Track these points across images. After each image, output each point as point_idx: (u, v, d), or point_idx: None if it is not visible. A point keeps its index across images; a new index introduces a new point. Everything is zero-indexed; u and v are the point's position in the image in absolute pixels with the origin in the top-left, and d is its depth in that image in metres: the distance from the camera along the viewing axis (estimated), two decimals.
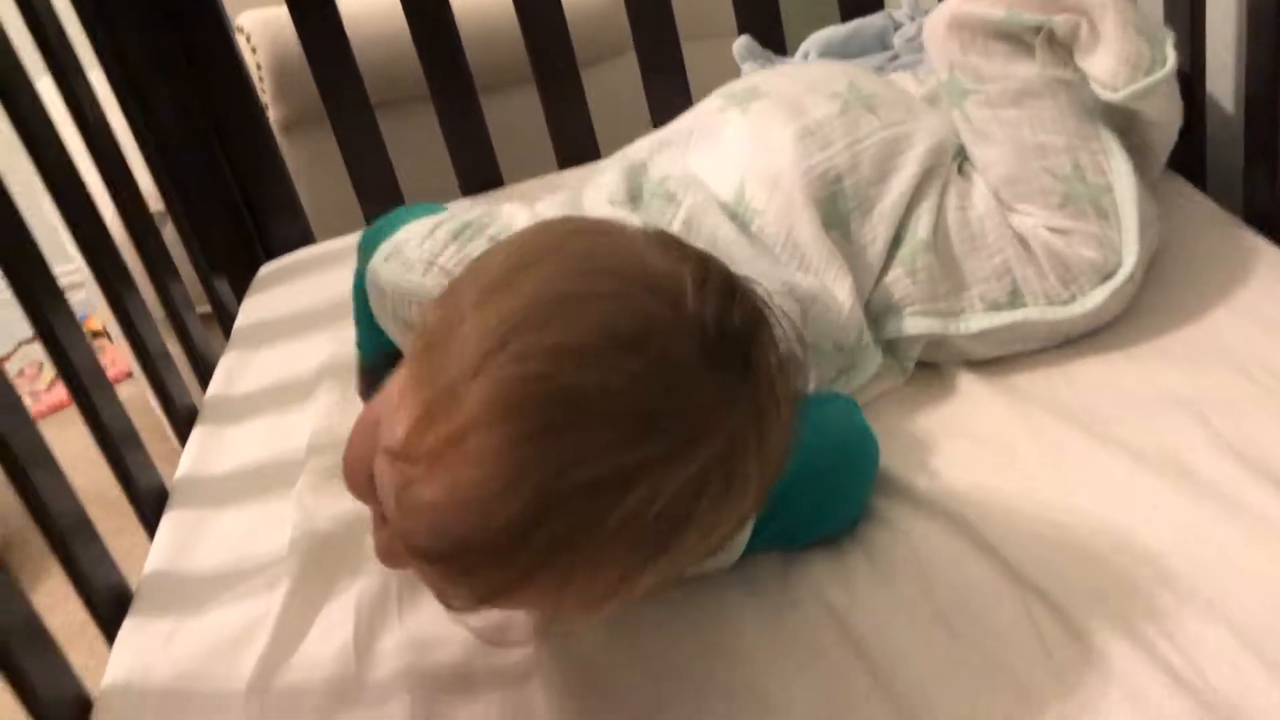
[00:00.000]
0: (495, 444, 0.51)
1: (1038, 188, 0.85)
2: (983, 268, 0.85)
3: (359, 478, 0.63)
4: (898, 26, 1.22)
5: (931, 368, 0.89)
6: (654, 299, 0.55)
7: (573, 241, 0.59)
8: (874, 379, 0.86)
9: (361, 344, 0.93)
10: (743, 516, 0.60)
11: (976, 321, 0.85)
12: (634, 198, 0.88)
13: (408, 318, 0.78)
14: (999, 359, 0.87)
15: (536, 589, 0.54)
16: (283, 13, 1.28)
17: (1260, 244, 0.92)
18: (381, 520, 0.67)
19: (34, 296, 0.87)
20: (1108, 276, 0.85)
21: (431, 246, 0.79)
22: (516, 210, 0.84)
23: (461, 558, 0.54)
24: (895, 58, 1.18)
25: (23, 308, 0.88)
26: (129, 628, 0.83)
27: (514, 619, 0.57)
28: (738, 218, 0.86)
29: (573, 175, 1.32)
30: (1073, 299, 0.85)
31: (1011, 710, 0.61)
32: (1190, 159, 1.02)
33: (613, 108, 1.35)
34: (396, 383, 0.60)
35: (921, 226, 0.85)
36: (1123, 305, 0.87)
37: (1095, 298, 0.85)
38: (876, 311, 0.87)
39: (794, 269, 0.84)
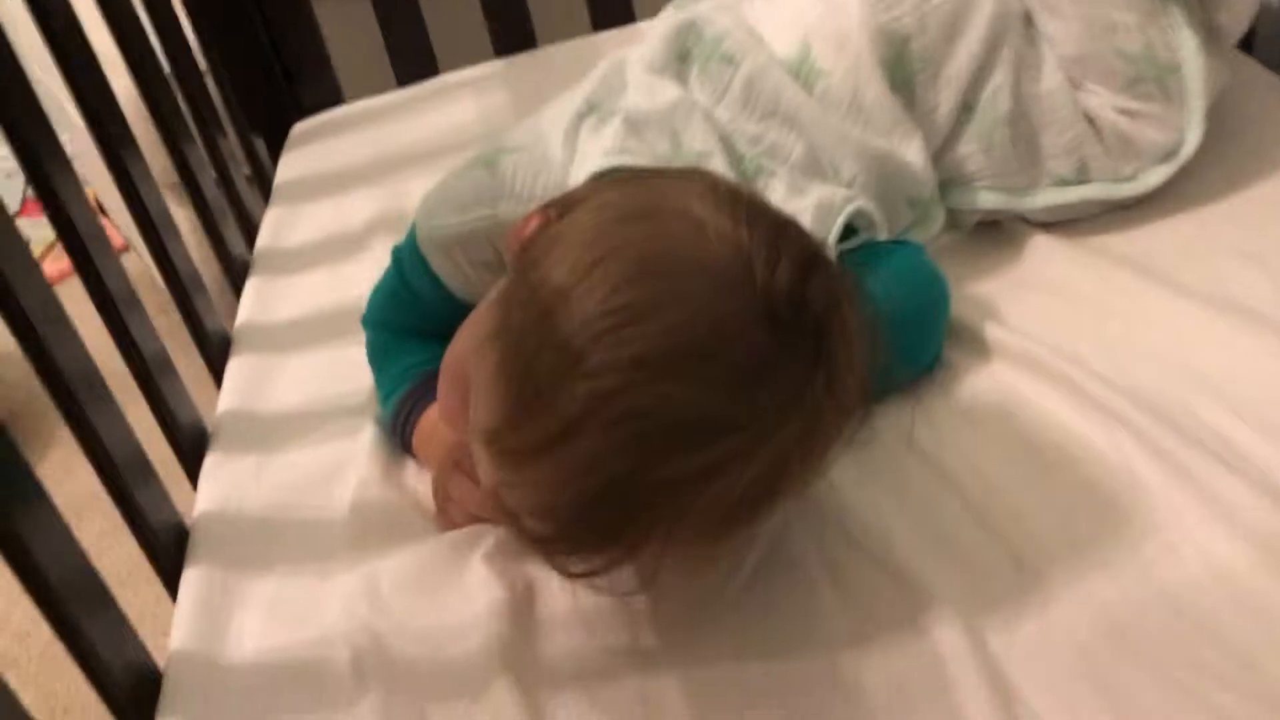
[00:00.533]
0: (579, 457, 0.54)
1: (1106, 68, 0.86)
2: (1055, 144, 0.86)
3: (459, 421, 0.65)
4: None
5: (994, 223, 0.91)
6: (722, 295, 0.55)
7: (637, 234, 0.58)
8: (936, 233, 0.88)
9: (382, 387, 0.84)
10: (827, 461, 0.62)
11: (1043, 197, 0.87)
12: (682, 59, 0.87)
13: (486, 259, 0.79)
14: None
15: (635, 563, 0.58)
16: None
17: None
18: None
19: (38, 160, 0.77)
20: (1169, 155, 0.87)
21: (471, 186, 0.79)
22: (540, 131, 0.84)
23: (557, 545, 0.58)
24: None
25: (25, 172, 0.78)
26: (213, 461, 0.85)
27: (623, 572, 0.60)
28: (800, 78, 0.85)
29: (606, 38, 1.31)
30: (1134, 176, 0.87)
31: (1106, 531, 0.65)
32: None
33: None
34: (478, 343, 0.60)
35: (1001, 100, 0.85)
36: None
37: (1157, 175, 0.87)
38: (943, 181, 0.87)
39: (860, 129, 0.84)
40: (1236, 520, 0.63)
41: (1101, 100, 0.86)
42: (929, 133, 0.86)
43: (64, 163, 0.78)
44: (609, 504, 0.55)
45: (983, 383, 0.77)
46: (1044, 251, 0.87)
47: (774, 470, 0.56)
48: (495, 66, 1.32)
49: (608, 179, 0.70)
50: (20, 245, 0.69)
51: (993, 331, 0.80)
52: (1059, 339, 0.78)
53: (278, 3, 1.29)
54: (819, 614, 0.64)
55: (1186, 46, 0.85)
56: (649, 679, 0.62)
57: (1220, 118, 0.93)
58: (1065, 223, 0.89)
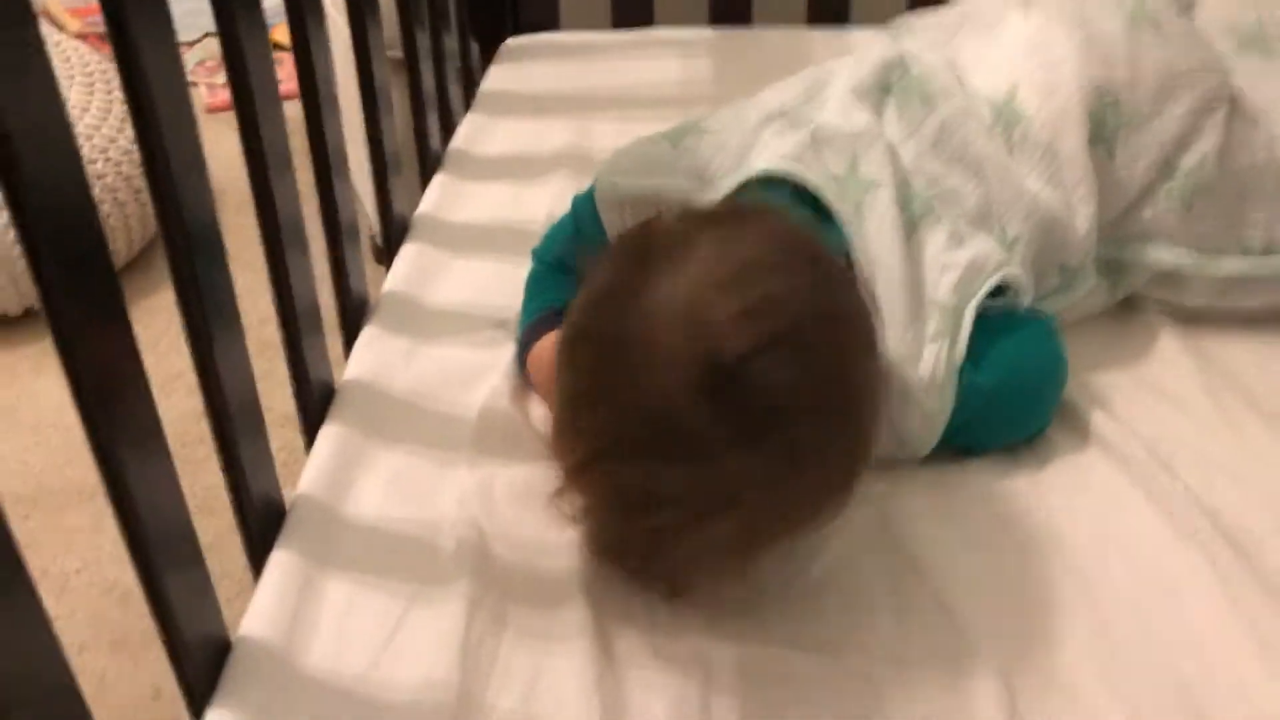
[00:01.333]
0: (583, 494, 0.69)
1: None
2: (1254, 215, 0.90)
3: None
4: None
5: (1131, 310, 0.94)
6: (670, 372, 0.60)
7: (607, 313, 0.66)
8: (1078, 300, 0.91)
9: (525, 313, 0.90)
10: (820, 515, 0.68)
11: (1230, 264, 0.90)
12: (884, 90, 0.91)
13: None
14: (1202, 322, 0.93)
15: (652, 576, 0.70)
16: None
17: None
18: None
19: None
20: None
21: (653, 154, 0.86)
22: (734, 120, 0.89)
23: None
24: None
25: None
26: (370, 335, 0.93)
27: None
28: (1001, 118, 0.89)
29: (815, 34, 1.35)
30: None
31: (1150, 642, 0.69)
32: None
33: None
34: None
35: (1208, 166, 0.89)
36: None
37: None
38: (1126, 235, 0.91)
39: (1043, 181, 0.88)
40: None
41: None
42: (1116, 186, 0.89)
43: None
44: (606, 538, 0.70)
45: (1074, 461, 0.82)
46: (1169, 358, 0.90)
47: (744, 530, 0.64)
48: (706, 33, 1.38)
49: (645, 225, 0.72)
50: (272, 79, 0.75)
51: (1098, 418, 0.84)
52: (1159, 443, 0.82)
53: None
54: (872, 627, 0.70)
55: None
56: (709, 643, 0.68)
57: None
58: (1201, 329, 0.92)
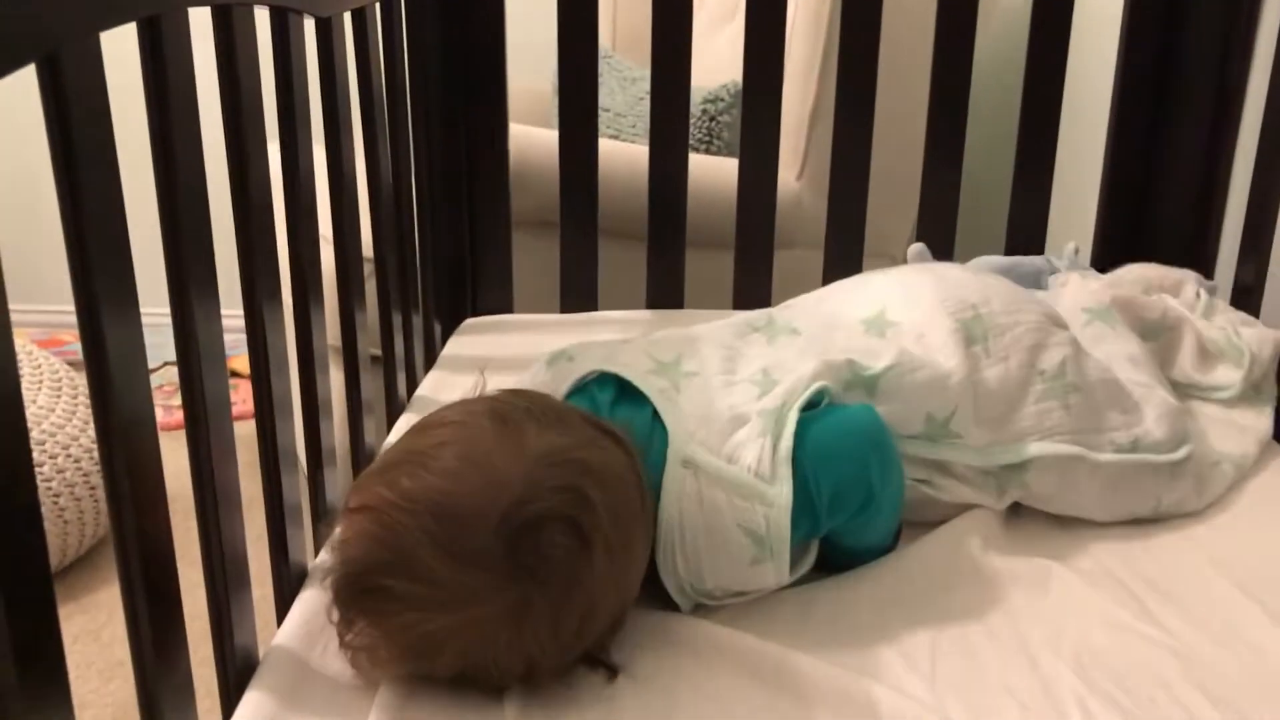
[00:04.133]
0: (344, 535, 0.76)
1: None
2: (1115, 420, 1.06)
3: None
4: (1053, 271, 1.42)
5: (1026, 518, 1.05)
6: (486, 491, 0.72)
7: (486, 432, 0.76)
8: (973, 490, 1.01)
9: None
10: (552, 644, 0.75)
11: (1107, 456, 1.03)
12: (753, 329, 1.06)
13: None
14: (1086, 530, 1.03)
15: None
16: (546, 135, 1.55)
17: None
18: None
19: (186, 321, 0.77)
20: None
21: (559, 364, 1.00)
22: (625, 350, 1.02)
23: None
24: None
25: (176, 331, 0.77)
26: None
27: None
28: (873, 327, 1.04)
29: (741, 314, 1.48)
30: (1168, 450, 1.05)
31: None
32: None
33: (788, 286, 1.56)
34: None
35: (1069, 369, 1.05)
36: (1211, 492, 1.08)
37: (1183, 450, 1.06)
38: (1013, 435, 1.02)
39: (915, 347, 1.02)
40: None
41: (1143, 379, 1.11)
42: (1002, 382, 1.02)
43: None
44: (343, 585, 0.74)
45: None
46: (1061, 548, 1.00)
47: (476, 636, 0.72)
48: (644, 314, 1.54)
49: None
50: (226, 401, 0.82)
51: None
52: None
53: (486, 224, 1.56)
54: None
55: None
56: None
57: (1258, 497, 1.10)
58: (1084, 533, 1.03)
